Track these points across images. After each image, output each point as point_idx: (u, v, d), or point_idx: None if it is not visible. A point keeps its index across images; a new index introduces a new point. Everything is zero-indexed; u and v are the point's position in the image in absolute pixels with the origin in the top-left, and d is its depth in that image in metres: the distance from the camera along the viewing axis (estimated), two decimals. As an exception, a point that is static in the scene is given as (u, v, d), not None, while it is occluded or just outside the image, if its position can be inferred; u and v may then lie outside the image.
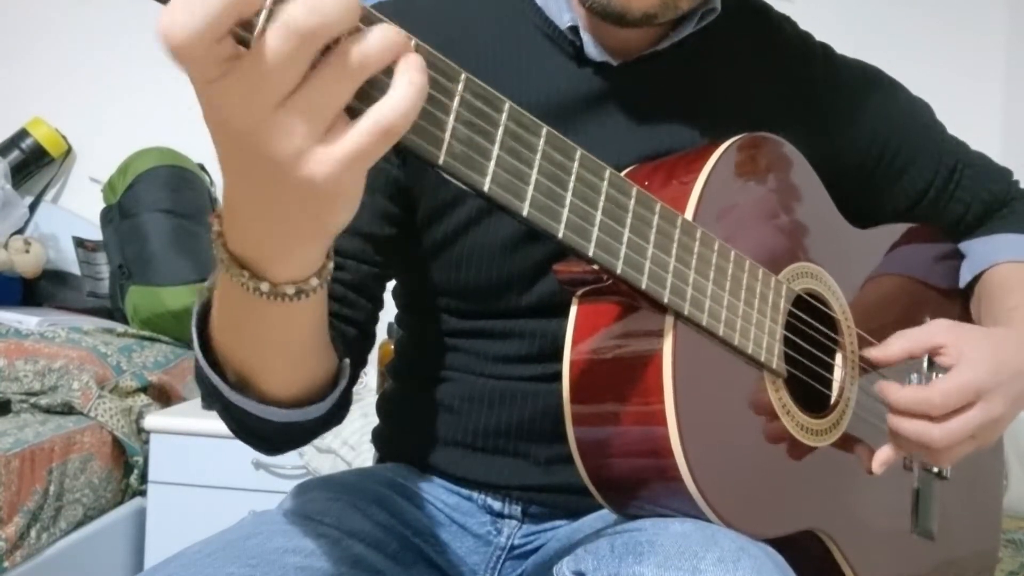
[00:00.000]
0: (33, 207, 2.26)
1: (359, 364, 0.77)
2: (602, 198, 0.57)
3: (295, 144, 0.42)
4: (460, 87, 0.48)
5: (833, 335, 0.78)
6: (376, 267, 0.77)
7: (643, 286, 0.61)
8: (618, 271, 0.59)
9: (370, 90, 0.43)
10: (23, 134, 2.26)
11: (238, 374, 0.61)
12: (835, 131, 0.86)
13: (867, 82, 0.90)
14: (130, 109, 2.29)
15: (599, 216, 0.57)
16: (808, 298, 0.76)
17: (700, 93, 0.81)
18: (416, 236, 0.80)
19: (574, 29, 0.77)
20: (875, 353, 0.77)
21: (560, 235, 0.55)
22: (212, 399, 0.64)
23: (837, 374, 0.78)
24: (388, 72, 0.44)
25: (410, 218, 0.79)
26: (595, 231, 0.57)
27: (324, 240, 0.50)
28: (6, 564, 1.46)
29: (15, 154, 2.24)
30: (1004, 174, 0.96)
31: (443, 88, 0.48)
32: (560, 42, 0.79)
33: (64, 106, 2.27)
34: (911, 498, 0.83)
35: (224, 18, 0.39)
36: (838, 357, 0.78)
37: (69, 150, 2.33)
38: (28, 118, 2.28)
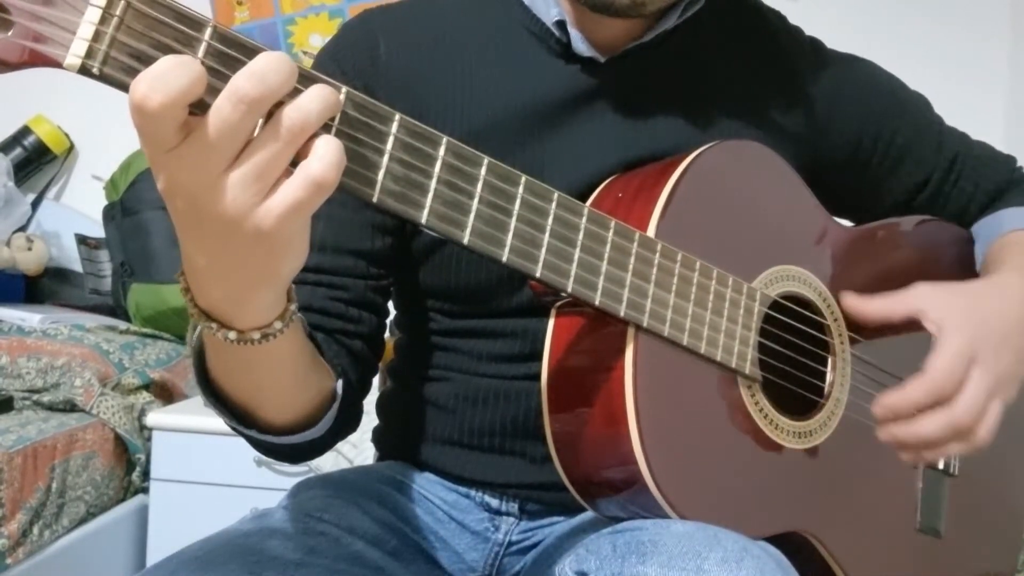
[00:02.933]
0: (35, 204, 2.26)
1: (369, 374, 0.80)
2: (550, 221, 0.60)
3: (241, 203, 0.46)
4: (394, 127, 0.52)
5: (823, 337, 0.78)
6: (373, 279, 0.78)
7: (596, 302, 0.62)
8: (568, 289, 0.61)
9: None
10: (25, 131, 2.26)
11: (238, 406, 0.64)
12: (825, 125, 0.86)
13: (857, 74, 0.89)
14: (132, 107, 2.29)
15: (546, 238, 0.60)
16: (788, 302, 0.75)
17: (688, 86, 0.81)
18: (407, 241, 0.80)
19: (561, 24, 0.77)
20: (851, 302, 0.77)
21: (504, 260, 0.58)
22: (227, 424, 0.68)
23: (829, 375, 0.78)
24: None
25: (403, 224, 0.79)
26: (542, 253, 0.59)
27: (278, 286, 0.54)
28: (9, 561, 1.47)
29: (17, 151, 2.24)
30: (1008, 162, 0.96)
31: (376, 131, 0.51)
32: (547, 39, 0.79)
33: (66, 103, 2.27)
34: (917, 496, 0.83)
35: (196, 86, 0.44)
36: (831, 359, 0.78)
37: (71, 147, 2.33)
38: (31, 115, 2.28)
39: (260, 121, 0.46)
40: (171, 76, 0.43)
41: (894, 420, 0.72)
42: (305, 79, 0.47)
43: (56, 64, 0.44)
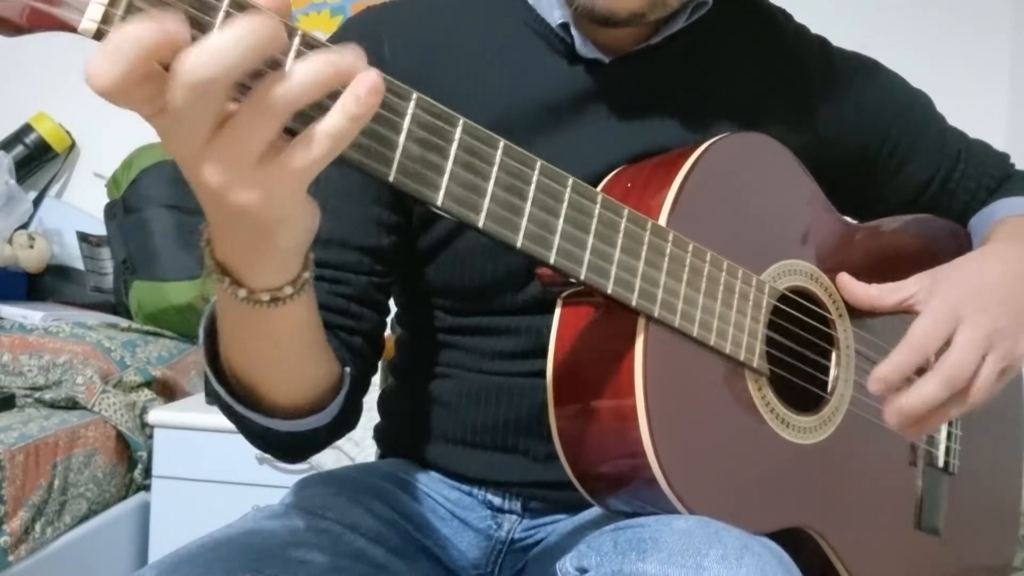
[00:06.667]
0: (37, 202, 2.27)
1: (369, 371, 0.78)
2: (564, 206, 0.59)
3: (222, 175, 0.45)
4: (411, 106, 0.50)
5: (829, 332, 0.78)
6: (378, 276, 0.77)
7: (609, 290, 0.62)
8: (582, 276, 0.60)
9: (313, 113, 0.45)
10: (27, 129, 2.26)
11: (243, 384, 0.63)
12: (832, 124, 0.86)
13: (864, 74, 0.89)
14: (134, 104, 2.28)
15: (560, 224, 0.59)
16: (795, 296, 0.75)
17: (694, 88, 0.81)
18: (413, 239, 0.79)
19: (565, 27, 0.77)
20: (845, 282, 0.78)
21: (518, 244, 0.57)
22: (226, 413, 0.66)
23: (833, 371, 0.78)
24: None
25: (409, 223, 0.79)
26: (556, 239, 0.58)
27: (277, 258, 0.53)
28: (11, 558, 1.47)
29: (19, 149, 2.24)
30: (1003, 158, 0.96)
31: (393, 108, 0.50)
32: (551, 40, 0.79)
33: (68, 101, 2.27)
34: (916, 494, 0.83)
35: (140, 65, 0.41)
36: (835, 354, 0.78)
37: (73, 145, 2.33)
38: (32, 113, 2.28)
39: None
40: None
41: (888, 391, 0.72)
42: (312, 46, 0.45)
43: (71, 29, 0.42)
